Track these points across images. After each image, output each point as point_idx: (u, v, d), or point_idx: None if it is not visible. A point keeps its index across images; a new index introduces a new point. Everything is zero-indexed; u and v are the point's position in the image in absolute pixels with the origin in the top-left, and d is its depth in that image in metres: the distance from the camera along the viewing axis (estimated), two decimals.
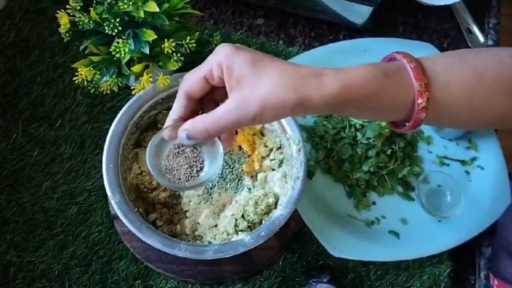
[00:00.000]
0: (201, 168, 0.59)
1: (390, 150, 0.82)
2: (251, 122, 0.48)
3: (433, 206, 0.82)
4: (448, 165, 0.86)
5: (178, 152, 0.59)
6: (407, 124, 0.53)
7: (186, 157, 0.59)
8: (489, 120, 0.54)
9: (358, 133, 0.84)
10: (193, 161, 0.59)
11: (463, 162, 0.86)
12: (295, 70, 0.48)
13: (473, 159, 0.86)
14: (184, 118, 0.53)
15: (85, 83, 0.70)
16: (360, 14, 0.89)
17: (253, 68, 0.47)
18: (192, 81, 0.52)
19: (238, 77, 0.48)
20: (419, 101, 0.50)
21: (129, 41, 0.69)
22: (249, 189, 0.75)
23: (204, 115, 0.50)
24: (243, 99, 0.47)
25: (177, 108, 0.54)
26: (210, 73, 0.50)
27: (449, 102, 0.51)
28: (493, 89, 0.51)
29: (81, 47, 0.72)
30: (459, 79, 0.51)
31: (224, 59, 0.48)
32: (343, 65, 0.94)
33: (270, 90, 0.46)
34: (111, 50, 0.68)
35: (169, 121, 0.55)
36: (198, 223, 0.73)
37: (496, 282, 0.75)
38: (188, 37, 0.71)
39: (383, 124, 0.83)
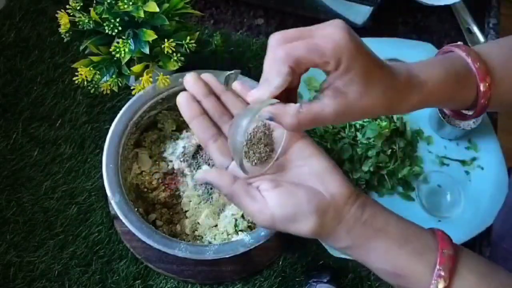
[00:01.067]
0: (272, 151, 0.53)
1: (390, 150, 0.82)
2: (340, 124, 0.54)
3: (433, 206, 0.82)
4: (448, 165, 0.86)
5: (263, 129, 0.53)
6: (467, 112, 0.58)
7: (264, 134, 0.53)
8: None
9: (358, 133, 0.84)
10: (268, 141, 0.53)
11: (463, 162, 0.86)
12: (396, 88, 0.49)
13: (473, 159, 0.86)
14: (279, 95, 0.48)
15: (85, 83, 0.70)
16: (360, 14, 0.89)
17: (365, 80, 0.47)
18: (306, 54, 0.46)
19: (350, 81, 0.47)
20: (482, 100, 0.53)
21: (129, 41, 0.69)
22: None
23: (299, 106, 0.47)
24: (347, 106, 0.47)
25: (282, 80, 0.47)
26: (323, 63, 0.47)
27: (503, 94, 0.54)
28: None
29: (81, 47, 0.72)
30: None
31: (345, 60, 0.46)
32: None
33: (371, 106, 0.48)
34: (111, 50, 0.68)
35: (266, 90, 0.47)
36: (198, 223, 0.73)
37: None
38: (188, 37, 0.71)
39: (383, 124, 0.83)
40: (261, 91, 0.47)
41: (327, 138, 0.83)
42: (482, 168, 0.86)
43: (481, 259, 0.51)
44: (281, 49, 0.46)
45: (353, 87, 0.47)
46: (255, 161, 0.52)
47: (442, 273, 0.46)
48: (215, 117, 0.53)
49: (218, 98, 0.54)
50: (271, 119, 0.47)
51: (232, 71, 0.56)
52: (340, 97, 0.47)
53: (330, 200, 0.47)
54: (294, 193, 0.47)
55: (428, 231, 0.51)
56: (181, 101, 0.53)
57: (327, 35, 0.46)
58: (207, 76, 0.54)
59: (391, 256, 0.48)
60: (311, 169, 0.49)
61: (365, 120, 0.84)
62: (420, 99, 0.51)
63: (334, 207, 0.47)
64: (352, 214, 0.48)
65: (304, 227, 0.47)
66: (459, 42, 0.57)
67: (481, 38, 0.96)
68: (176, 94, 0.74)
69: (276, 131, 0.53)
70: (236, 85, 0.53)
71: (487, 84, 0.52)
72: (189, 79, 0.54)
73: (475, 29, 0.97)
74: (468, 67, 0.53)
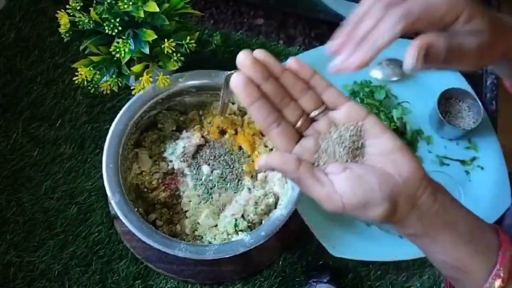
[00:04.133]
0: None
1: None
2: None
3: None
4: (448, 165, 0.86)
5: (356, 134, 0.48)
6: None
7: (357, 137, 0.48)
8: None
9: None
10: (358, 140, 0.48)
11: (463, 162, 0.86)
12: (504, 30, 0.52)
13: (473, 159, 0.86)
14: None
15: (85, 83, 0.70)
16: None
17: (492, 25, 0.50)
18: (423, 13, 0.47)
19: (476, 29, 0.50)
20: None
21: (129, 41, 0.69)
22: (249, 189, 0.75)
23: None
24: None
25: (390, 40, 0.47)
26: (439, 18, 0.49)
27: None
28: None
29: (81, 47, 0.72)
30: None
31: (468, 8, 0.48)
32: None
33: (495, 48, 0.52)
34: (111, 50, 0.68)
35: (369, 52, 0.48)
36: (198, 223, 0.73)
37: None
38: (188, 37, 0.70)
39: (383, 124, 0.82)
40: (362, 54, 0.47)
41: None
42: (482, 168, 0.86)
43: None
44: (395, 8, 0.47)
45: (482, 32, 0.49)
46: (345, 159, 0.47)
47: (501, 274, 0.46)
48: (276, 100, 0.47)
49: (276, 79, 0.47)
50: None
51: (232, 71, 0.56)
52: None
53: (403, 184, 0.45)
54: (365, 178, 0.44)
55: (492, 228, 0.50)
56: (238, 84, 0.46)
57: None
58: (264, 55, 0.47)
59: (455, 250, 0.47)
60: (380, 149, 0.46)
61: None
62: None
63: (406, 191, 0.45)
64: (424, 201, 0.45)
65: (375, 213, 0.44)
66: None
67: None
68: (176, 94, 0.75)
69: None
70: (291, 62, 0.48)
71: None
72: (246, 61, 0.46)
73: None
74: None
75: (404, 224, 0.46)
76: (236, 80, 0.46)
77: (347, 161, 0.46)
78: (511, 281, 0.46)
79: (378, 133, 0.47)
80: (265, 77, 0.46)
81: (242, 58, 0.46)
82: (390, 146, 0.46)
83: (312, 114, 0.48)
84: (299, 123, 0.47)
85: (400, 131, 0.84)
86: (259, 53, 0.47)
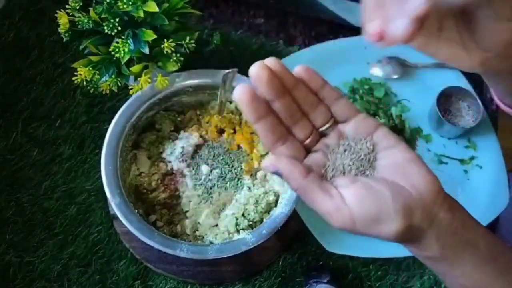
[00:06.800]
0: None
1: None
2: None
3: None
4: (446, 163, 0.86)
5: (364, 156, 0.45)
6: None
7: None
8: None
9: None
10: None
11: (461, 161, 0.86)
12: None
13: (472, 158, 0.86)
14: None
15: (85, 83, 0.70)
16: (360, 14, 0.89)
17: None
18: None
19: None
20: None
21: (128, 41, 0.69)
22: (249, 187, 0.75)
23: None
24: None
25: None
26: None
27: None
28: None
29: (81, 47, 0.71)
30: None
31: None
32: (343, 62, 0.93)
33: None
34: (110, 50, 0.68)
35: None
36: (199, 223, 0.73)
37: None
38: (188, 37, 0.70)
39: (381, 121, 0.82)
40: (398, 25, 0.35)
41: None
42: (481, 167, 0.86)
43: None
44: None
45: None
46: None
47: None
48: (285, 117, 0.43)
49: (288, 93, 0.43)
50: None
51: (230, 70, 0.55)
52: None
53: (417, 197, 0.41)
54: (375, 189, 0.40)
55: (510, 248, 0.46)
56: (243, 98, 0.40)
57: None
58: (277, 64, 0.41)
59: (476, 272, 0.43)
60: (391, 161, 0.42)
61: None
62: None
63: (422, 206, 0.41)
64: (442, 218, 0.41)
65: (389, 229, 0.40)
66: None
67: None
68: (173, 94, 0.75)
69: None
70: (301, 71, 0.43)
71: None
72: (262, 76, 0.41)
73: None
74: None
75: (421, 245, 0.43)
76: (241, 92, 0.41)
77: (356, 174, 0.43)
78: None
79: (390, 145, 0.43)
80: (279, 94, 0.42)
81: (257, 71, 0.41)
82: (402, 158, 0.42)
83: (322, 129, 0.44)
84: (308, 140, 0.44)
85: (399, 129, 0.84)
86: (272, 62, 0.41)
